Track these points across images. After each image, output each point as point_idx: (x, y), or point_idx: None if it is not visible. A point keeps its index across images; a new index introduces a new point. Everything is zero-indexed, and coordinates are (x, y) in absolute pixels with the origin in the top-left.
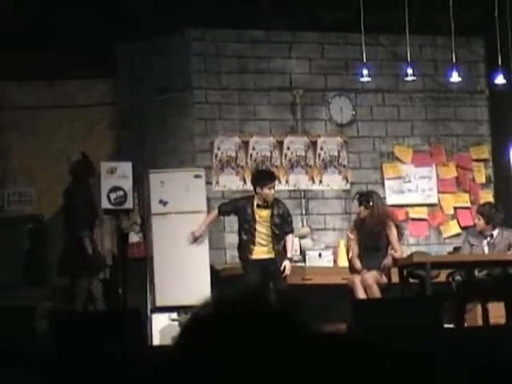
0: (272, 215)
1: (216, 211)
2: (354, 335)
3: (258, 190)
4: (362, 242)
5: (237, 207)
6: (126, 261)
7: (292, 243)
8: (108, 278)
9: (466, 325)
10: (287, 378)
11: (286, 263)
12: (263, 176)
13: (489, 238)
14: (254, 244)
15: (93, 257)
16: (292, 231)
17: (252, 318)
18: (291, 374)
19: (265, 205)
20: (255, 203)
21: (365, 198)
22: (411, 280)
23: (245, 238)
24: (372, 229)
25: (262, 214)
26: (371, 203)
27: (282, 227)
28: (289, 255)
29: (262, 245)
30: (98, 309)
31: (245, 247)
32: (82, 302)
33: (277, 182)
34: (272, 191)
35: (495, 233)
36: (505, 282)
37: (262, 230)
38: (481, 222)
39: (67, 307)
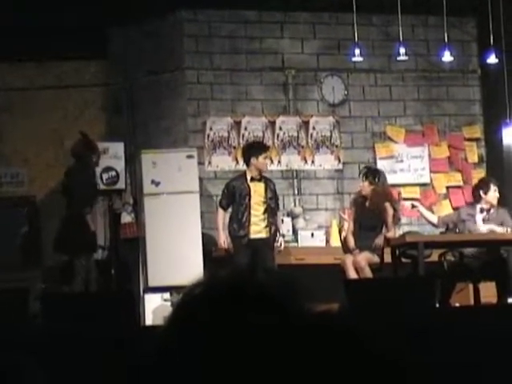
0: (266, 189)
1: (221, 210)
2: (345, 314)
3: (253, 160)
4: (358, 219)
5: (231, 189)
6: (118, 241)
7: (280, 220)
8: (100, 258)
9: (457, 304)
10: (278, 359)
11: (281, 239)
12: (258, 146)
13: (485, 213)
14: (249, 223)
15: (94, 235)
16: (279, 209)
17: (244, 299)
18: (282, 354)
19: (258, 177)
20: (248, 177)
21: (372, 173)
22: (404, 260)
23: (241, 215)
24: (373, 206)
25: (257, 188)
26: (377, 180)
27: (274, 201)
28: (280, 231)
29: (256, 224)
30: (91, 289)
31: (240, 226)
32: (81, 281)
33: (269, 162)
34: (267, 161)
35: (493, 208)
36: (495, 261)
37: (257, 204)
38: (497, 195)
39: (60, 288)
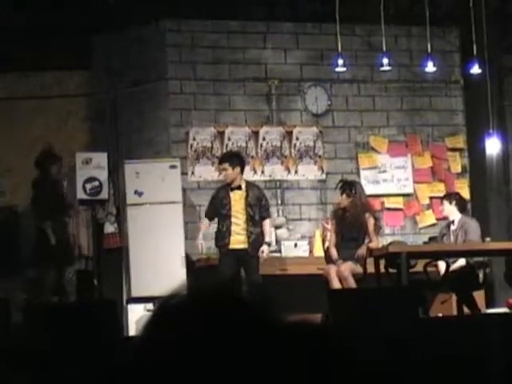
0: (246, 196)
1: (206, 220)
2: (325, 325)
3: None
4: (340, 231)
5: (214, 200)
6: (101, 251)
7: (269, 228)
8: (83, 268)
9: (440, 314)
10: (253, 370)
11: (264, 248)
12: (220, 157)
13: (451, 225)
14: (229, 233)
15: (57, 248)
16: (269, 216)
17: (222, 310)
18: (257, 366)
19: (236, 186)
20: (229, 187)
21: (348, 186)
22: (390, 270)
23: (222, 225)
24: (353, 219)
25: (236, 197)
26: (354, 192)
27: (257, 209)
28: (267, 239)
29: (238, 233)
30: (72, 300)
31: (221, 236)
32: (49, 293)
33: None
34: (224, 173)
35: (457, 220)
36: (465, 272)
37: (238, 213)
38: (448, 208)
39: (41, 299)
